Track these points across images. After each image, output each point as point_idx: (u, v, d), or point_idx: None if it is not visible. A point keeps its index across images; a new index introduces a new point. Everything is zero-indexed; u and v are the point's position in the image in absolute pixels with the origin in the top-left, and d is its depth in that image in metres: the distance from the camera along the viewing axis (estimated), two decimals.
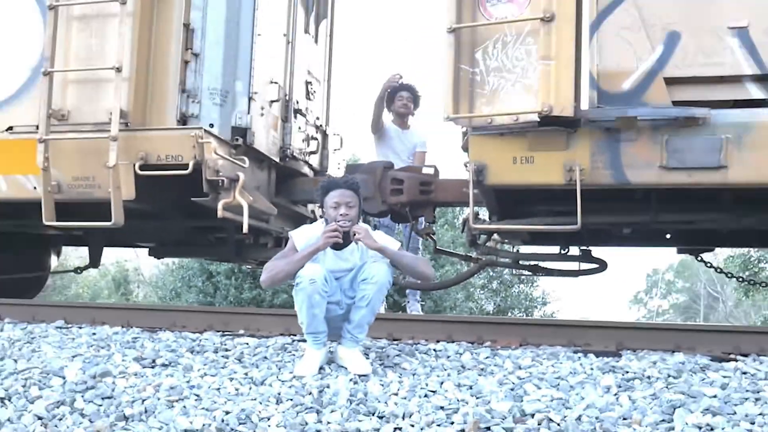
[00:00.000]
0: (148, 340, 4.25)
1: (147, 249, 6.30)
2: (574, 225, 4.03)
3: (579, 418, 2.86)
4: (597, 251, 5.50)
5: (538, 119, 4.01)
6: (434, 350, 3.96)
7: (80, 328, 4.81)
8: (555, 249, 5.60)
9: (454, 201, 5.44)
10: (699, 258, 6.06)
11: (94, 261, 6.07)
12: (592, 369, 3.51)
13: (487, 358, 3.80)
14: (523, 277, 15.95)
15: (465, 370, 3.54)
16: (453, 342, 4.42)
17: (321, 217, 3.54)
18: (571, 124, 4.10)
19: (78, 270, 6.46)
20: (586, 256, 5.36)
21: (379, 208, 5.28)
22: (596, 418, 2.85)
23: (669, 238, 5.71)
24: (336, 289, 3.50)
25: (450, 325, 4.71)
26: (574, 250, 5.50)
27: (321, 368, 3.46)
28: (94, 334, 4.49)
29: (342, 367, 3.51)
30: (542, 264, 5.50)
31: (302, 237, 3.55)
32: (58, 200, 4.89)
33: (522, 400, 3.05)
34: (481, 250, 5.38)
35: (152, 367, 3.61)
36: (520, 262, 5.45)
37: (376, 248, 3.39)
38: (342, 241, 3.37)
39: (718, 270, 6.87)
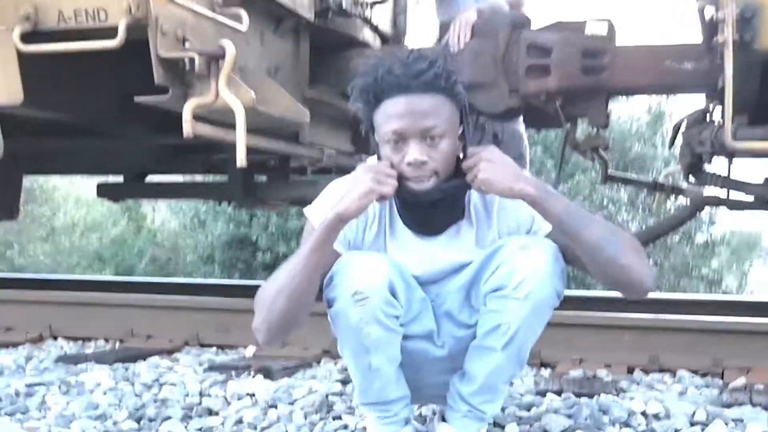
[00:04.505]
0: (59, 390, 2.40)
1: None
2: None
3: None
4: None
5: None
6: (644, 414, 2.07)
7: None
8: None
9: (647, 85, 3.21)
10: None
11: (9, 208, 4.01)
12: None
13: None
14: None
15: None
16: (665, 372, 2.81)
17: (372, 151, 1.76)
18: None
19: None
20: None
21: (505, 104, 3.14)
22: None
23: None
24: (425, 305, 1.79)
25: (655, 337, 2.98)
26: None
27: None
28: None
29: None
30: None
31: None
32: None
33: None
34: (701, 179, 3.14)
35: None
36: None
37: (522, 196, 1.60)
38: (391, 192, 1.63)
39: None
